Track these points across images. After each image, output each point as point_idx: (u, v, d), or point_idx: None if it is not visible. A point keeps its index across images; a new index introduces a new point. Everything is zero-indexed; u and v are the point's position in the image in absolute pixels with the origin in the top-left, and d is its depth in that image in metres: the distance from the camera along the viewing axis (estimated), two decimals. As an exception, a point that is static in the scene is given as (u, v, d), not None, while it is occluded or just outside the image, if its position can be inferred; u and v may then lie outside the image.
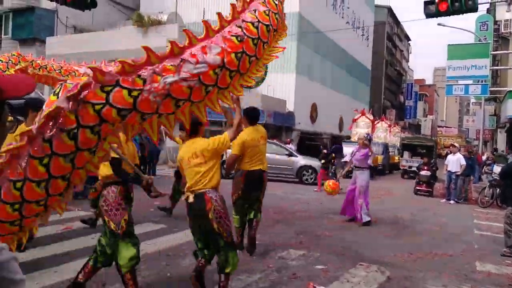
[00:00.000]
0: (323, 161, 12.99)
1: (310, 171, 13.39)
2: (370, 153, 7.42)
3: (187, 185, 3.38)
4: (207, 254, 3.46)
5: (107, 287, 3.63)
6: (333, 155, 13.68)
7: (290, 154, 13.80)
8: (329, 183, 7.66)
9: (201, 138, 3.45)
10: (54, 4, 18.08)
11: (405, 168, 18.76)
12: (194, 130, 3.37)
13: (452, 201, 11.28)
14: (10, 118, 2.27)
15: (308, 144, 26.88)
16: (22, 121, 3.83)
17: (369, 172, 7.52)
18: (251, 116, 4.75)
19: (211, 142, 3.35)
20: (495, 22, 25.31)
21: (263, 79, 21.34)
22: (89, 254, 3.46)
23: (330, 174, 12.78)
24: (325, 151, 13.80)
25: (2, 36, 23.51)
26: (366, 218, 7.13)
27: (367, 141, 7.53)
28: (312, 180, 13.15)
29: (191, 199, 3.34)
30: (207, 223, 3.27)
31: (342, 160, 11.84)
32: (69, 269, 4.00)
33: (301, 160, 13.67)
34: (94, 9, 10.80)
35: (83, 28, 23.18)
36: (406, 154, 19.68)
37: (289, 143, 19.79)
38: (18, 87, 1.05)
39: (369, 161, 7.49)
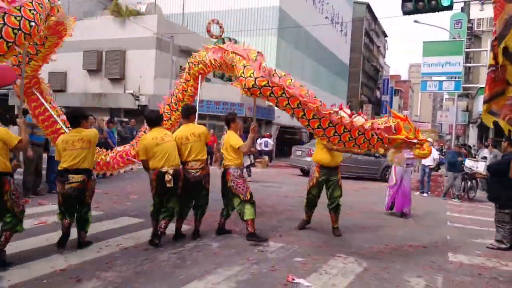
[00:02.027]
0: None
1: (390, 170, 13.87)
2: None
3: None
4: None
5: (84, 283, 3.54)
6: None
7: (376, 155, 14.46)
8: None
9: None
10: (25, -9, 17.45)
11: None
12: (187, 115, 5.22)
13: (425, 194, 11.60)
14: None
15: (287, 137, 27.07)
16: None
17: None
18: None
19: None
20: (469, 21, 26.02)
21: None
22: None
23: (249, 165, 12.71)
24: None
25: (-30, 23, 22.47)
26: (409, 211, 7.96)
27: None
28: None
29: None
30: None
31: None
32: (41, 265, 3.90)
33: (386, 161, 14.30)
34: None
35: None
36: None
37: (268, 137, 19.85)
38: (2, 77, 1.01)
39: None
